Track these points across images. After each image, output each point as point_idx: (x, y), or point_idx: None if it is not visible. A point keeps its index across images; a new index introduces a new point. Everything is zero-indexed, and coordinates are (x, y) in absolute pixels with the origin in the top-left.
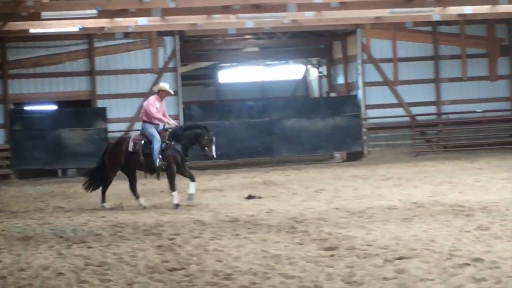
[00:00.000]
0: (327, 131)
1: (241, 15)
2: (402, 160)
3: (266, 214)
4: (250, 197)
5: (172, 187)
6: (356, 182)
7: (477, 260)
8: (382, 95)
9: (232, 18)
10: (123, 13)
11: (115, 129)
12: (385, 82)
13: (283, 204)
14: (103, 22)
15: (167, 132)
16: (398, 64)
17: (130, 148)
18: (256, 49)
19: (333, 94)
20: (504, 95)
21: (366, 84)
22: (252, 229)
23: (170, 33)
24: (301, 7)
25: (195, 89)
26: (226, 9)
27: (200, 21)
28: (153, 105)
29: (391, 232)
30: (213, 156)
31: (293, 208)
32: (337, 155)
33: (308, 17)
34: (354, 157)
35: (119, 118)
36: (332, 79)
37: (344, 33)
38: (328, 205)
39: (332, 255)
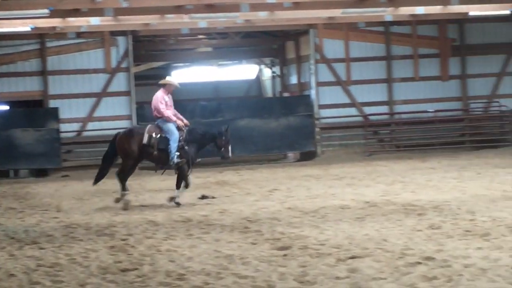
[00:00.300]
0: (280, 131)
1: (194, 15)
2: (355, 160)
3: (219, 214)
4: (203, 197)
5: (178, 186)
6: (309, 182)
7: (428, 259)
8: (335, 95)
9: (185, 18)
10: (75, 12)
11: (67, 129)
12: (338, 82)
13: (237, 204)
14: (55, 22)
15: (185, 130)
16: (351, 64)
17: (145, 140)
18: (209, 49)
19: (286, 94)
20: (455, 95)
21: (319, 84)
22: (205, 229)
23: (123, 33)
24: (254, 7)
25: (148, 89)
26: (179, 9)
27: (153, 21)
28: (162, 101)
29: (344, 231)
30: (229, 156)
31: (246, 208)
32: (291, 155)
33: (261, 17)
34: (307, 156)
35: (71, 118)
36: (285, 79)
37: (297, 33)
38: (282, 205)
39: (285, 255)
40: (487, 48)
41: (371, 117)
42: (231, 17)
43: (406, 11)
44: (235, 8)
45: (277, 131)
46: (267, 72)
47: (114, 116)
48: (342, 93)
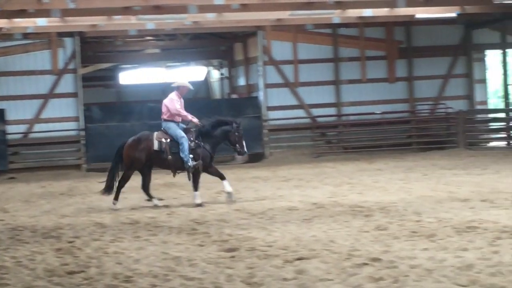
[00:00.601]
0: None
1: (142, 16)
2: (302, 161)
3: (167, 216)
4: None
5: (196, 187)
6: (257, 184)
7: (375, 260)
8: (283, 96)
9: (132, 19)
10: (22, 13)
11: (14, 131)
12: (286, 84)
13: (185, 206)
14: (1, 23)
15: (193, 131)
16: (299, 66)
17: (156, 147)
18: (157, 50)
19: (234, 96)
20: (402, 96)
21: (267, 85)
22: (153, 231)
23: (70, 34)
24: (202, 9)
25: (95, 90)
26: (126, 10)
27: (100, 22)
28: (175, 102)
29: (291, 233)
30: (245, 152)
31: (194, 210)
32: (239, 156)
33: (209, 19)
34: (255, 158)
35: (18, 120)
36: (234, 81)
37: (245, 35)
38: (229, 207)
39: (232, 257)
40: (433, 50)
41: (318, 119)
42: (179, 19)
43: (353, 13)
44: (183, 9)
45: None
46: (215, 74)
47: (61, 117)
48: (290, 95)
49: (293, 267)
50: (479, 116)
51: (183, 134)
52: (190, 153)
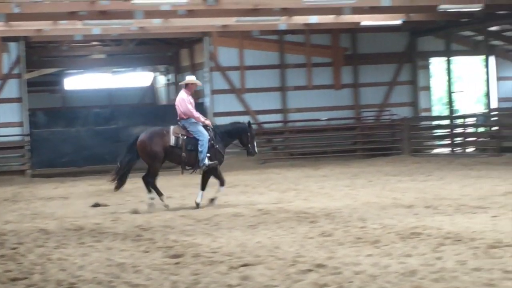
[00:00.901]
0: None
1: (87, 21)
2: (249, 168)
3: (112, 222)
4: (96, 205)
5: (203, 187)
6: (187, 190)
7: (320, 266)
8: (229, 102)
9: (78, 24)
10: None
11: None
12: (232, 90)
13: (130, 211)
14: None
15: (210, 129)
16: (245, 72)
17: (172, 142)
18: (103, 56)
19: None
20: (348, 103)
21: (214, 91)
22: (97, 238)
23: (15, 39)
24: (148, 14)
25: (41, 95)
26: (72, 15)
27: (46, 27)
28: (189, 101)
29: (236, 239)
30: (256, 152)
31: (139, 216)
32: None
33: (156, 25)
34: None
35: None
36: (180, 87)
37: (192, 41)
38: (175, 213)
39: (177, 263)
40: (378, 58)
41: (265, 125)
42: (125, 24)
43: (299, 20)
44: (129, 15)
45: None
46: (161, 80)
47: (5, 123)
48: (236, 101)
49: (238, 274)
50: (423, 123)
51: (205, 132)
52: (208, 151)
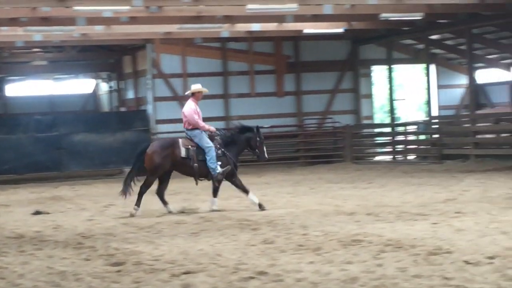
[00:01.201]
0: (117, 146)
1: (29, 27)
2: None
3: (53, 230)
4: (37, 212)
5: (215, 194)
6: (145, 197)
7: (261, 273)
8: (172, 110)
9: (19, 31)
10: None
11: None
12: (175, 97)
13: (71, 219)
14: None
15: (218, 138)
16: (188, 80)
17: (183, 154)
18: (44, 62)
19: (123, 109)
20: (290, 110)
21: (156, 99)
22: (38, 246)
23: None
24: (91, 21)
25: None
26: (13, 21)
27: None
28: (195, 111)
29: (178, 246)
30: (266, 157)
31: (81, 224)
32: (127, 169)
33: (98, 31)
34: (144, 171)
35: None
36: (122, 94)
37: (134, 48)
38: (117, 220)
39: (119, 271)
40: (321, 65)
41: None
42: (67, 31)
43: (242, 27)
44: (71, 21)
45: (114, 146)
46: (104, 87)
47: None
48: (179, 108)
49: (179, 281)
50: (365, 130)
51: (209, 142)
52: (218, 159)
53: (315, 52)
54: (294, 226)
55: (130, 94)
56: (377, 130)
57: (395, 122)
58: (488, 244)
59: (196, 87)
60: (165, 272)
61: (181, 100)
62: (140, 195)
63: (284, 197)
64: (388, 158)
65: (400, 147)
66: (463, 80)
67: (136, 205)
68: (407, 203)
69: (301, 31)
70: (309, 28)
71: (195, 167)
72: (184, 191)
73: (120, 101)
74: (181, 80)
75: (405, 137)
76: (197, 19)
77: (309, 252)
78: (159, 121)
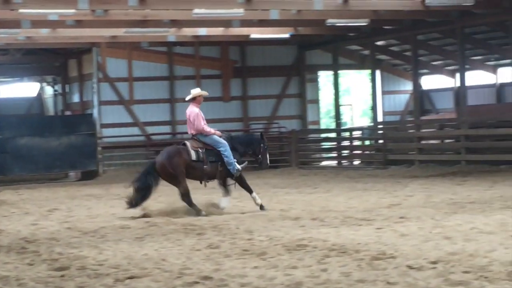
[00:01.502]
0: (62, 150)
1: None
2: None
3: None
4: None
5: (249, 189)
6: (90, 201)
7: (206, 278)
8: (117, 114)
9: None
10: None
11: None
12: (121, 101)
13: (15, 224)
14: None
15: (224, 139)
16: (134, 84)
17: (194, 157)
18: None
19: (68, 113)
20: (236, 115)
21: (102, 103)
22: None
23: None
24: (36, 24)
25: None
26: None
27: None
28: (201, 116)
29: (123, 251)
30: (267, 164)
31: (24, 228)
32: (72, 174)
33: (43, 34)
34: (89, 176)
35: None
36: (68, 98)
37: (80, 51)
38: (61, 225)
39: (62, 276)
40: (267, 70)
41: (153, 137)
42: (12, 33)
43: (189, 32)
44: (15, 24)
45: (59, 150)
46: (49, 90)
47: None
48: (125, 112)
49: (124, 286)
50: (311, 135)
51: (222, 140)
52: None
53: (261, 57)
54: (239, 231)
55: (76, 98)
56: (323, 135)
57: (341, 128)
58: (431, 249)
59: (196, 91)
60: (109, 277)
61: (127, 104)
62: (190, 203)
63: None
64: (333, 163)
65: (345, 152)
66: (408, 86)
67: (197, 211)
68: (352, 208)
69: (247, 36)
70: (256, 33)
71: (205, 169)
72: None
73: (65, 104)
74: (127, 84)
75: (351, 142)
76: (143, 23)
77: (254, 257)
78: (104, 125)
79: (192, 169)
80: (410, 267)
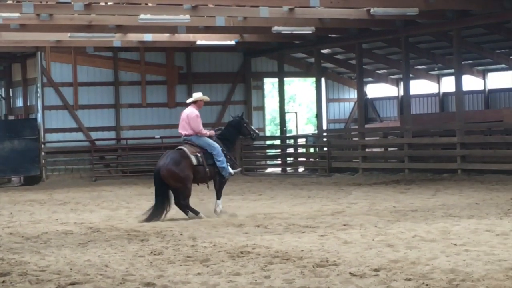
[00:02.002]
0: (4, 155)
1: None
2: (80, 185)
3: None
4: None
5: (219, 196)
6: (32, 207)
7: (149, 284)
8: (61, 119)
9: None
10: None
11: None
12: (65, 106)
13: None
14: None
15: (215, 139)
16: (79, 89)
17: (194, 161)
18: None
19: (11, 117)
20: None
21: (46, 107)
22: None
23: None
24: None
25: None
26: None
27: None
28: (200, 120)
29: (65, 257)
30: (258, 134)
31: None
32: (15, 179)
33: None
34: (32, 181)
35: None
36: (11, 102)
37: (24, 55)
38: (3, 230)
39: (3, 282)
40: (213, 77)
41: (98, 142)
42: None
43: (134, 37)
44: None
45: (1, 154)
46: None
47: None
48: (69, 118)
49: None
50: (256, 142)
51: (214, 143)
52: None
53: (207, 63)
54: (182, 237)
55: (19, 102)
56: (267, 142)
57: (286, 135)
58: (373, 257)
59: (197, 95)
60: (51, 282)
61: (71, 109)
62: (189, 208)
63: (174, 208)
64: (278, 170)
65: (290, 159)
66: (353, 94)
67: (197, 214)
68: (296, 215)
69: (193, 42)
70: (202, 40)
71: (206, 172)
72: (72, 201)
73: (8, 109)
74: (72, 89)
75: (295, 149)
76: (89, 28)
77: (197, 263)
78: (48, 130)
79: (197, 173)
80: (352, 274)
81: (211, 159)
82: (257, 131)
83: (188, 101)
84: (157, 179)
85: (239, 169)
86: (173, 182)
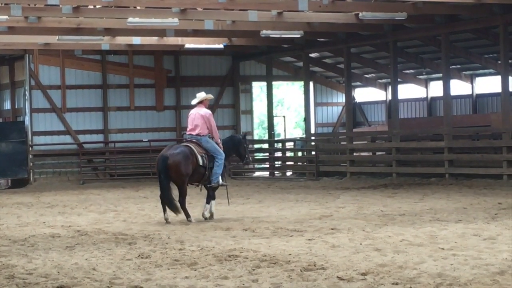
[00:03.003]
0: None
1: None
2: (68, 188)
3: None
4: None
5: (213, 197)
6: (20, 210)
7: (136, 287)
8: (50, 122)
9: None
10: None
11: None
12: (53, 109)
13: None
14: None
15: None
16: (67, 92)
17: (200, 162)
18: None
19: None
20: (170, 125)
21: (34, 110)
22: None
23: None
24: None
25: None
26: None
27: None
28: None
29: (53, 260)
30: (251, 161)
31: None
32: (2, 181)
33: None
34: (19, 184)
35: None
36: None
37: (12, 58)
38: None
39: None
40: (201, 80)
41: (85, 145)
42: None
43: (122, 40)
44: None
45: None
46: None
47: None
48: (57, 120)
49: None
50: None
51: (222, 151)
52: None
53: (195, 67)
54: (170, 240)
55: (7, 105)
56: (256, 146)
57: (274, 139)
58: (361, 261)
59: (202, 95)
60: (39, 286)
61: (59, 112)
62: (183, 206)
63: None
64: (266, 174)
65: (278, 163)
66: (341, 98)
67: (188, 217)
68: (284, 219)
69: (182, 45)
70: (190, 43)
71: (206, 175)
72: (60, 204)
73: None
74: (60, 92)
75: (283, 153)
76: (77, 30)
77: (184, 267)
78: (36, 133)
79: (197, 174)
80: (340, 278)
81: (212, 163)
82: (251, 158)
83: (194, 102)
84: (162, 166)
85: (226, 184)
86: (174, 175)
